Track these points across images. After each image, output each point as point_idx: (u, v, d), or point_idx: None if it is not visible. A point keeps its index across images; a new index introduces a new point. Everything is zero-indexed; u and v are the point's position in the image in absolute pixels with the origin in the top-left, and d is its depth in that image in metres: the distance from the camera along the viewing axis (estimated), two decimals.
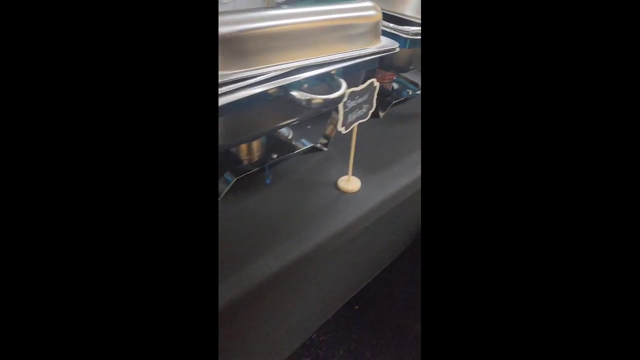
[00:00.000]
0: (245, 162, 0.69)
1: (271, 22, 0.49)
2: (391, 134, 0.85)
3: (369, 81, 0.55)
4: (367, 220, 0.63)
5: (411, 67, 0.78)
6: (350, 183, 0.66)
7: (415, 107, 0.97)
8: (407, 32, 0.69)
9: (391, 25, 0.69)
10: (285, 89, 0.49)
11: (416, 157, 0.77)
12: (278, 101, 0.50)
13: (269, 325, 0.71)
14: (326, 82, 0.54)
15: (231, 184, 0.63)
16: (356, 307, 1.23)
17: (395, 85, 0.97)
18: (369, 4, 0.58)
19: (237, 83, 0.45)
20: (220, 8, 0.43)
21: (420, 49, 0.73)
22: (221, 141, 0.53)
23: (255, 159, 0.70)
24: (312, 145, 0.74)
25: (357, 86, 0.55)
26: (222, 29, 0.44)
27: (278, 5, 0.54)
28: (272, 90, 0.48)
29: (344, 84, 0.51)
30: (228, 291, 0.48)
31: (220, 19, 0.44)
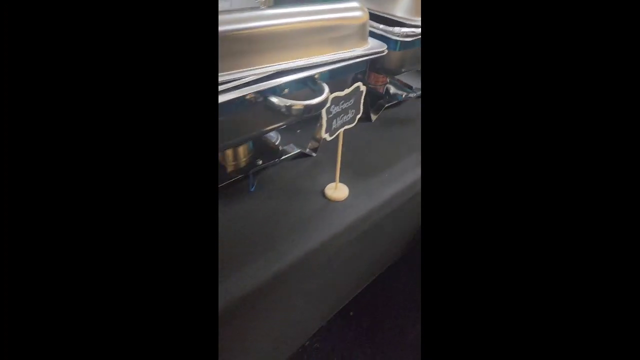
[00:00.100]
0: (231, 169, 0.66)
1: (250, 23, 0.46)
2: (384, 139, 0.82)
3: (354, 85, 0.53)
4: (354, 231, 0.61)
5: (403, 70, 0.75)
6: (337, 191, 0.64)
7: (409, 110, 0.95)
8: (397, 34, 0.66)
9: (381, 26, 0.67)
10: (264, 94, 0.46)
11: (409, 162, 0.75)
12: (258, 107, 0.48)
13: (254, 337, 0.69)
14: (309, 86, 0.51)
15: None
16: (351, 313, 1.22)
17: (389, 88, 0.95)
18: (354, 4, 0.55)
19: None
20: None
21: (412, 50, 0.71)
22: None
23: (242, 164, 0.67)
24: (300, 150, 0.72)
25: (347, 89, 0.52)
26: None
27: (258, 6, 0.52)
28: (249, 96, 0.46)
29: (326, 89, 0.48)
30: None
31: None
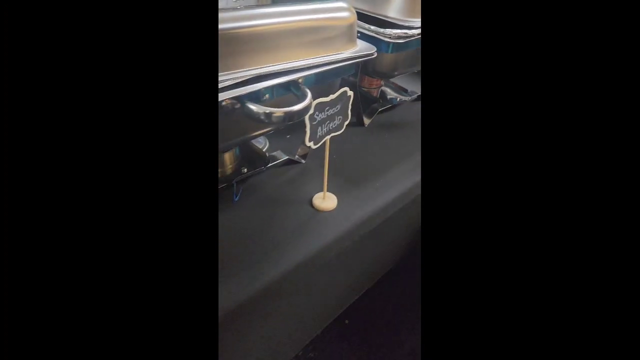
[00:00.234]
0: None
1: (229, 24, 0.43)
2: (377, 144, 0.79)
3: (341, 90, 0.50)
4: (342, 242, 0.58)
5: (396, 73, 0.72)
6: (325, 201, 0.61)
7: (404, 114, 0.92)
8: (389, 36, 0.63)
9: (372, 27, 0.64)
10: (242, 100, 0.43)
11: (404, 169, 0.72)
12: (236, 113, 0.45)
13: (245, 349, 0.66)
14: (292, 91, 0.48)
15: None
16: (346, 321, 1.19)
17: (384, 92, 0.92)
18: (341, 4, 0.52)
19: None
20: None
21: (405, 53, 0.68)
22: None
23: (228, 172, 0.64)
24: (288, 157, 0.69)
25: (332, 95, 0.49)
26: None
27: (235, 7, 0.49)
28: (226, 102, 0.43)
29: (309, 95, 0.45)
30: None
31: None
